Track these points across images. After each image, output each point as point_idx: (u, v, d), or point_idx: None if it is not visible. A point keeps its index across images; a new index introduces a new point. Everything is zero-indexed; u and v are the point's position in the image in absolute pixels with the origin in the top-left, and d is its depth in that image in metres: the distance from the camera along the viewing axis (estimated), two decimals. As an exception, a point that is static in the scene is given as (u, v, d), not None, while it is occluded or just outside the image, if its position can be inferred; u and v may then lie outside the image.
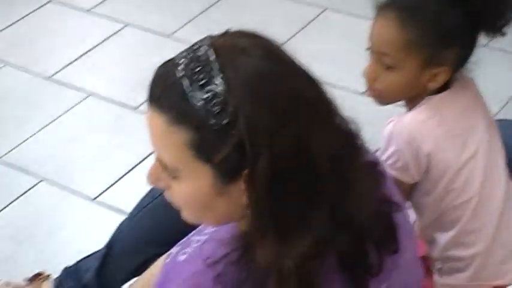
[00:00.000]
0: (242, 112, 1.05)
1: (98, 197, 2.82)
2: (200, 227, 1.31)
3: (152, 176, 1.19)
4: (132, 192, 2.76)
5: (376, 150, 1.61)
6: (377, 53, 1.61)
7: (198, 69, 1.08)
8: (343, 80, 3.09)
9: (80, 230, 2.71)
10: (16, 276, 2.27)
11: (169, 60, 1.15)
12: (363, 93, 2.07)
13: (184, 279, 1.17)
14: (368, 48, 1.64)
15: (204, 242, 1.24)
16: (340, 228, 1.12)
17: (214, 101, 1.06)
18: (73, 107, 3.22)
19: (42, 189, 2.88)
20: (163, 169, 1.15)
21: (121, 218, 2.66)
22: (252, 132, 1.06)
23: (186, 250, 1.25)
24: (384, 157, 1.61)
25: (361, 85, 1.74)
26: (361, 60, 1.73)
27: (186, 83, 1.08)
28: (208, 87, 1.06)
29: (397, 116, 1.64)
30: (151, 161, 1.19)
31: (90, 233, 2.68)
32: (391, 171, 1.57)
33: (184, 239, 1.31)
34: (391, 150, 1.61)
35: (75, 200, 2.82)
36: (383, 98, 1.67)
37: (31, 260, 2.57)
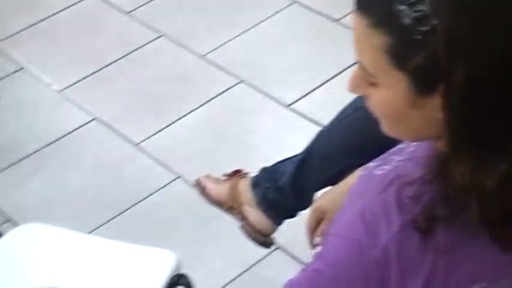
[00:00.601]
0: (442, 21, 1.04)
1: (292, 104, 2.88)
2: (402, 145, 1.32)
3: (352, 82, 1.20)
4: (327, 102, 2.82)
5: None
6: None
7: None
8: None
9: (272, 135, 2.79)
10: (211, 170, 2.39)
11: None
12: None
13: (378, 193, 1.19)
14: None
15: (402, 161, 1.25)
16: None
17: (418, 6, 1.06)
18: (277, 12, 3.27)
19: (240, 90, 2.97)
20: (363, 76, 1.17)
21: (313, 127, 2.74)
22: (450, 42, 1.04)
23: (385, 167, 1.26)
24: None
25: None
26: None
27: None
28: None
29: None
30: (348, 73, 1.21)
31: (281, 139, 2.75)
32: None
33: (384, 155, 1.32)
34: None
35: (270, 104, 2.90)
36: None
37: (225, 157, 2.70)
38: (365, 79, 1.17)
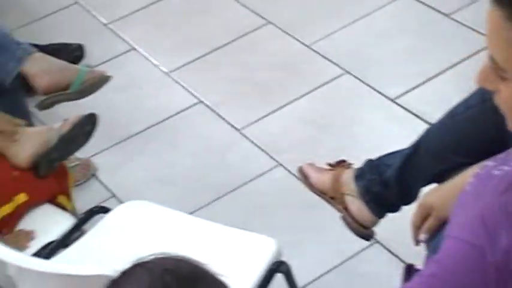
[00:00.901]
0: None
1: (398, 97, 2.85)
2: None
3: (481, 75, 1.18)
4: (433, 98, 2.78)
5: None
6: None
7: None
8: None
9: (375, 128, 2.77)
10: (312, 160, 2.39)
11: None
12: None
13: (498, 195, 1.17)
14: None
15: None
16: None
17: None
18: (387, 4, 3.24)
19: (345, 81, 2.96)
20: (493, 69, 1.14)
21: (418, 121, 2.71)
22: None
23: (503, 167, 1.24)
24: None
25: None
26: None
27: None
28: None
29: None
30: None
31: (385, 132, 2.73)
32: None
33: (501, 155, 1.29)
34: None
35: (375, 97, 2.88)
36: None
37: (327, 147, 2.69)
38: (495, 73, 1.15)
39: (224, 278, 1.08)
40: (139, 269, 1.06)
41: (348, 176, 1.99)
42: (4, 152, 2.01)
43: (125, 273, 1.07)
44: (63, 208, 2.05)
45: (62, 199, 2.07)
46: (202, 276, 1.07)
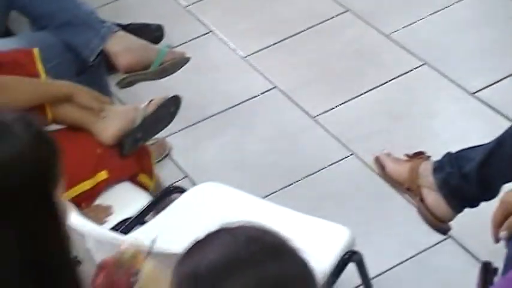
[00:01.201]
0: None
1: (477, 92, 2.79)
2: None
3: None
4: (516, 94, 2.73)
5: None
6: None
7: None
8: None
9: (453, 121, 2.73)
10: (386, 150, 2.37)
11: None
12: None
13: None
14: None
15: None
16: None
17: None
18: (468, -4, 3.19)
19: (423, 72, 2.92)
20: None
21: (498, 117, 2.66)
22: None
23: None
24: None
25: None
26: None
27: None
28: None
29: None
30: None
31: (463, 126, 2.68)
32: None
33: None
34: None
35: (453, 90, 2.83)
36: None
37: (402, 138, 2.66)
38: None
39: (306, 255, 1.08)
40: (224, 233, 1.07)
41: (425, 168, 1.97)
42: (90, 128, 2.04)
43: (209, 236, 1.08)
44: (144, 187, 2.08)
45: (143, 178, 2.09)
46: (286, 249, 1.07)
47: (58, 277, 1.19)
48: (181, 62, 2.36)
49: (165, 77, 2.38)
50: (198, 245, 1.08)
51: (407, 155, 2.04)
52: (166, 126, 2.23)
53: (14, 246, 1.13)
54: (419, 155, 2.02)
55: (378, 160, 2.10)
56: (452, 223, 2.01)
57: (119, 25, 2.48)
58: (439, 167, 1.94)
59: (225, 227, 1.08)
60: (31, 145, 1.14)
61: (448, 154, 1.95)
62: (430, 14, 3.12)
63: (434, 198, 1.94)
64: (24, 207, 1.13)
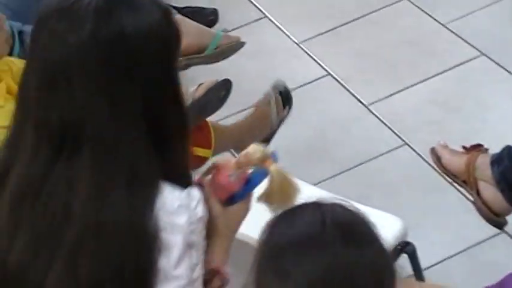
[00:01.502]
0: None
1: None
2: None
3: None
4: None
5: None
6: None
7: None
8: None
9: (509, 114, 2.68)
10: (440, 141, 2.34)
11: None
12: None
13: None
14: None
15: None
16: None
17: None
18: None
19: (480, 63, 2.87)
20: None
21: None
22: None
23: None
24: None
25: None
26: None
27: None
28: None
29: None
30: None
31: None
32: None
33: None
34: None
35: (510, 82, 2.78)
36: None
37: (456, 130, 2.62)
38: None
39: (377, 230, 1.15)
40: (313, 209, 1.14)
41: (483, 161, 1.94)
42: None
43: (300, 208, 1.16)
44: (201, 159, 2.07)
45: (199, 151, 2.08)
46: (368, 238, 1.14)
47: (170, 142, 1.28)
48: (236, 46, 2.35)
49: (219, 61, 2.37)
50: (287, 215, 1.16)
51: (464, 147, 2.01)
52: (216, 110, 2.22)
53: (139, 104, 1.23)
54: (477, 148, 1.98)
55: (434, 151, 2.06)
56: (508, 217, 1.98)
57: (175, 8, 2.48)
58: (497, 160, 1.90)
59: (318, 203, 1.15)
60: (163, 18, 1.27)
61: (508, 147, 1.91)
62: (489, 5, 3.07)
63: (491, 192, 1.91)
64: (153, 71, 1.25)
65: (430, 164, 2.53)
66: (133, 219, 1.23)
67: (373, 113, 2.77)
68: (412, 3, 3.15)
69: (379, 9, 3.15)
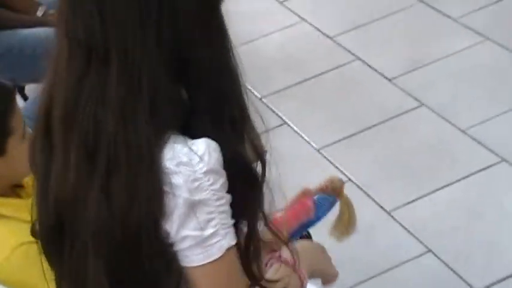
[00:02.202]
0: None
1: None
2: None
3: None
4: None
5: None
6: None
7: None
8: None
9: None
10: (465, 248, 2.31)
11: None
12: None
13: None
14: None
15: None
16: None
17: None
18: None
19: (501, 169, 2.86)
20: None
21: None
22: None
23: None
24: None
25: None
26: None
27: None
28: None
29: None
30: None
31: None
32: None
33: None
34: None
35: (532, 188, 2.77)
36: None
37: (483, 236, 2.60)
38: None
39: None
40: None
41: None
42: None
43: None
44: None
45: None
46: None
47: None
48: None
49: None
50: None
51: None
52: None
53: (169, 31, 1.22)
54: None
55: None
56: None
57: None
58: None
59: None
60: None
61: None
62: (507, 111, 3.09)
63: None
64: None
65: (454, 272, 2.50)
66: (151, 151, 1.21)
67: (395, 219, 2.76)
68: (430, 109, 3.18)
69: (398, 115, 3.18)
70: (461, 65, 3.36)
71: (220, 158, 1.25)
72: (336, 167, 2.99)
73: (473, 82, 3.27)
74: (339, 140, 3.11)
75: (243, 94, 1.31)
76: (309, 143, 3.12)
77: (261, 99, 3.36)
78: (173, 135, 1.23)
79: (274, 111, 3.29)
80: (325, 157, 3.05)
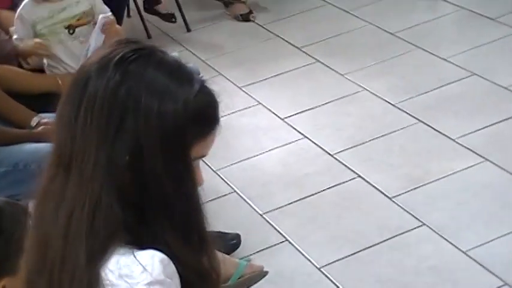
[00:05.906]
0: None
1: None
2: None
3: None
4: None
5: None
6: None
7: None
8: None
9: None
10: None
11: None
12: None
13: None
14: None
15: None
16: None
17: None
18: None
19: (502, 292, 2.85)
20: None
21: None
22: None
23: None
24: None
25: None
26: None
27: None
28: None
29: None
30: None
31: None
32: None
33: None
34: None
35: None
36: None
37: None
38: None
39: None
40: None
41: None
42: None
43: None
44: None
45: None
46: None
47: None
48: (259, 276, 2.37)
49: (243, 290, 2.37)
50: None
51: None
52: None
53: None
54: None
55: None
56: None
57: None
58: None
59: None
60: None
61: None
62: (508, 233, 3.08)
63: None
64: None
65: None
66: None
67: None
68: (431, 229, 3.17)
69: (398, 235, 3.17)
70: (461, 185, 3.38)
71: (169, 270, 1.26)
72: (336, 285, 2.97)
73: (474, 203, 3.28)
74: (340, 259, 3.09)
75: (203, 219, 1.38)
76: (310, 261, 3.10)
77: (262, 215, 3.37)
78: (120, 247, 1.25)
79: (275, 228, 3.28)
80: (325, 275, 3.03)
